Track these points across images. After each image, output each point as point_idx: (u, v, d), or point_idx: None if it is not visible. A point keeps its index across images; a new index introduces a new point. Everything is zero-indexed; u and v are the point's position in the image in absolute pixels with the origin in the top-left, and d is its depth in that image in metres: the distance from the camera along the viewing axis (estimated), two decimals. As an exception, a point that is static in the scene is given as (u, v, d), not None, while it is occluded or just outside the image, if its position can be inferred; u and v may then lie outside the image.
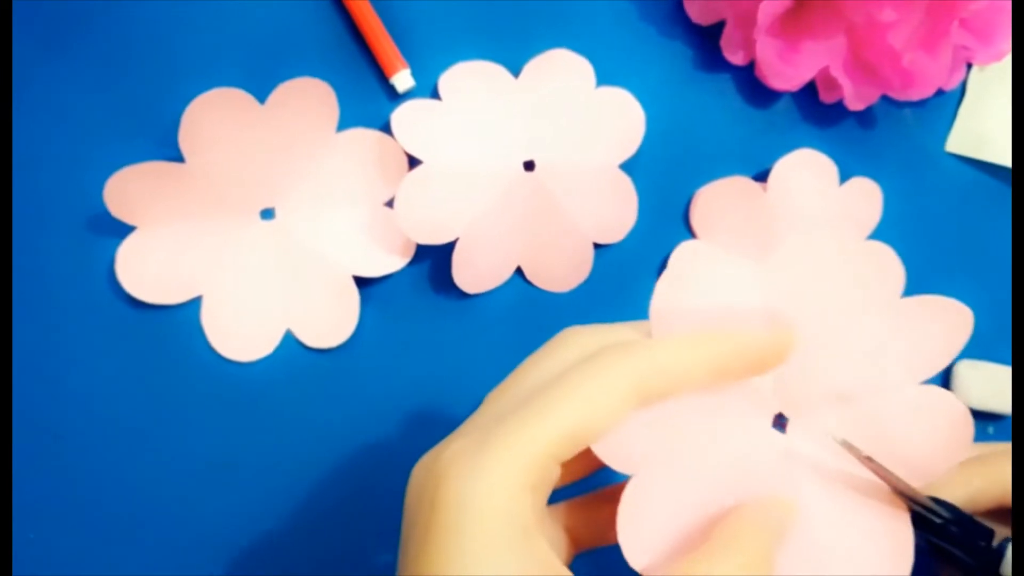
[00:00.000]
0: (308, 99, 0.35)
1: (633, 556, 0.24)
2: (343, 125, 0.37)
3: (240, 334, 0.37)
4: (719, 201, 0.39)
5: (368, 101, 0.38)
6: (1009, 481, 0.28)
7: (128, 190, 0.35)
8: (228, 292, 0.37)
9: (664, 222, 0.39)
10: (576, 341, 0.26)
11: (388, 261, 0.37)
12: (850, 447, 0.26)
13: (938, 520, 0.27)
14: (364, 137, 0.37)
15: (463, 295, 0.38)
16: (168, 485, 0.37)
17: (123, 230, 0.37)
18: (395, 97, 0.38)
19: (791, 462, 0.26)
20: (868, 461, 0.25)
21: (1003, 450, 0.30)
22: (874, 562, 0.26)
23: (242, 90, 0.34)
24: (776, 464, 0.26)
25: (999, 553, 0.27)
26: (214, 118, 0.34)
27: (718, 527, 0.24)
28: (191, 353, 0.37)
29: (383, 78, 0.38)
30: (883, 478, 0.26)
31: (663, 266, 0.39)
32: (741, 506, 0.24)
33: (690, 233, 0.39)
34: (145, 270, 0.37)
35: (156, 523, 0.37)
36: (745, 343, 0.24)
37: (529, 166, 0.37)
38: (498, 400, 0.25)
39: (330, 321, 0.37)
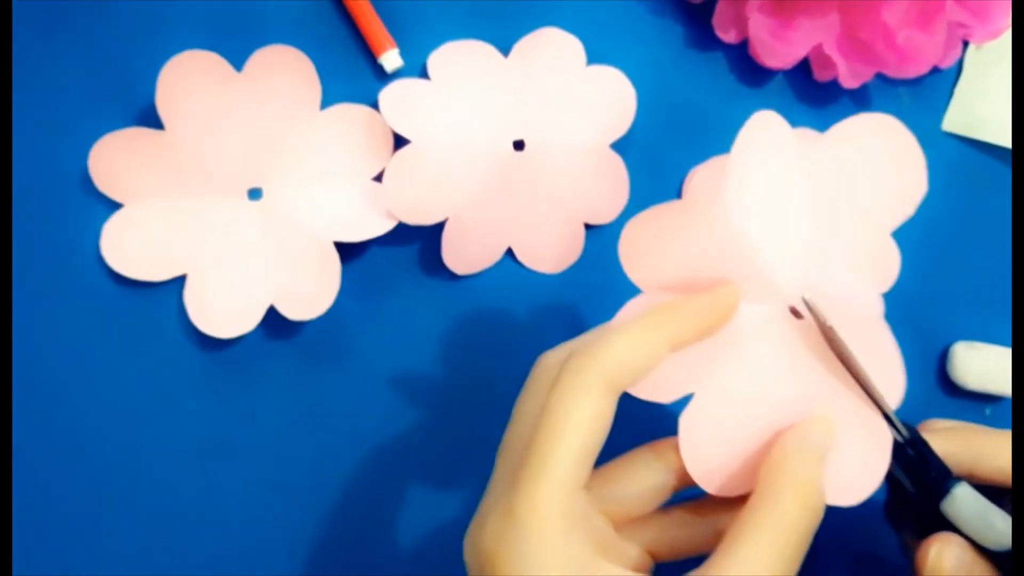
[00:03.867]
0: (285, 69, 0.35)
1: (705, 482, 0.27)
2: (331, 104, 0.37)
3: (223, 311, 0.36)
4: (716, 180, 0.38)
5: (356, 81, 0.38)
6: (983, 452, 0.28)
7: (111, 159, 0.35)
8: (213, 270, 0.37)
9: (656, 202, 0.39)
10: (546, 370, 0.28)
11: (373, 229, 0.36)
12: (815, 309, 0.27)
13: (899, 438, 0.28)
14: (351, 113, 0.37)
15: (453, 276, 0.37)
16: (154, 462, 0.37)
17: (108, 209, 0.36)
18: (383, 77, 0.38)
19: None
20: (830, 330, 0.27)
21: (990, 430, 0.30)
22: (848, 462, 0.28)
23: (217, 54, 0.34)
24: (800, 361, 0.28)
25: (945, 490, 0.27)
26: (190, 81, 0.34)
27: (766, 468, 0.26)
28: (178, 330, 0.37)
29: (372, 58, 0.38)
30: (854, 374, 0.28)
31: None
32: (781, 440, 0.27)
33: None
34: (131, 247, 0.36)
35: (142, 498, 0.37)
36: (695, 316, 0.27)
37: (519, 146, 0.37)
38: (505, 454, 0.27)
39: (312, 292, 0.36)
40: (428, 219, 0.36)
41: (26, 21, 0.37)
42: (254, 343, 0.37)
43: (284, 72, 0.35)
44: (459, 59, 0.37)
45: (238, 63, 0.35)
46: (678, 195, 0.39)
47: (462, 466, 0.37)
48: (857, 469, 0.27)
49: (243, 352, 0.37)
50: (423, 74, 0.38)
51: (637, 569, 0.27)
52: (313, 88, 0.36)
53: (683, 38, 0.39)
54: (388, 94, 0.36)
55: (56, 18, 0.38)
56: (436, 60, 0.37)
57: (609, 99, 0.37)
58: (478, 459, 0.30)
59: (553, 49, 0.37)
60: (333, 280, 0.36)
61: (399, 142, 0.36)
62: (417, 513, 0.37)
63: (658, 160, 0.39)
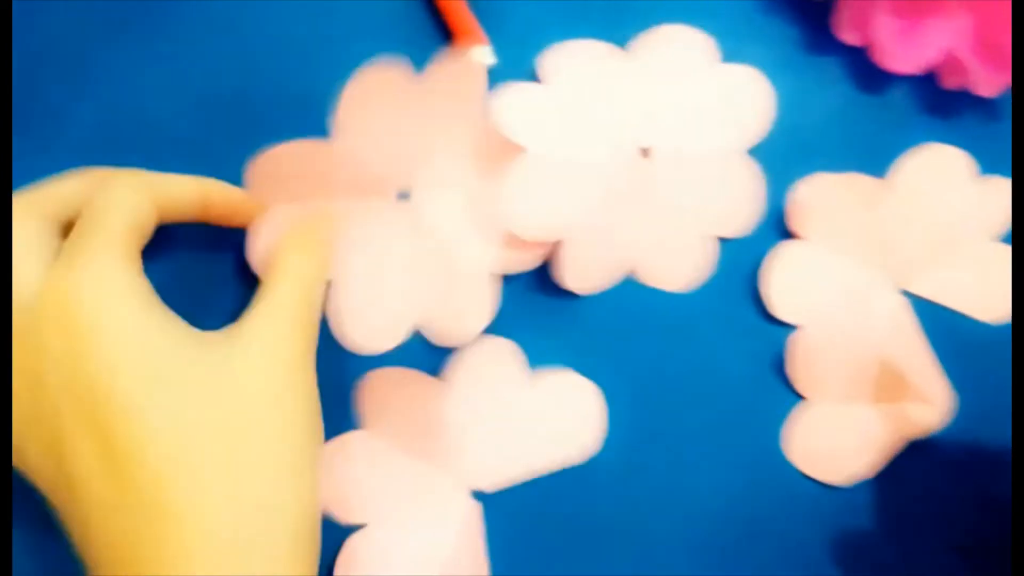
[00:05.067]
0: (459, 76, 0.32)
1: None
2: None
3: (367, 323, 0.33)
4: (826, 198, 0.36)
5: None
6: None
7: (270, 170, 0.31)
8: (358, 280, 0.33)
9: (764, 215, 0.36)
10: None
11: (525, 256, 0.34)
12: None
13: None
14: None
15: (569, 295, 0.34)
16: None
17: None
18: None
19: None
20: None
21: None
22: None
23: (402, 63, 0.30)
24: None
25: None
26: (371, 94, 0.30)
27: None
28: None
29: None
30: None
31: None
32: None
33: (788, 230, 0.36)
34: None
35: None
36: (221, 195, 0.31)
37: (645, 153, 0.34)
38: None
39: (460, 317, 0.34)
40: (549, 235, 0.32)
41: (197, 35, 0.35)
42: (394, 360, 0.34)
43: (458, 79, 0.32)
44: (575, 59, 0.34)
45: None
46: (782, 207, 0.36)
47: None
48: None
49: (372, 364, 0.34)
50: (517, 72, 0.35)
51: None
52: (480, 94, 0.33)
53: (799, 39, 0.37)
54: (502, 98, 0.32)
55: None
56: (549, 60, 0.34)
57: (745, 101, 0.35)
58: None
59: (680, 46, 0.35)
60: (485, 308, 0.33)
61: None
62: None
63: (765, 168, 0.36)
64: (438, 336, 0.33)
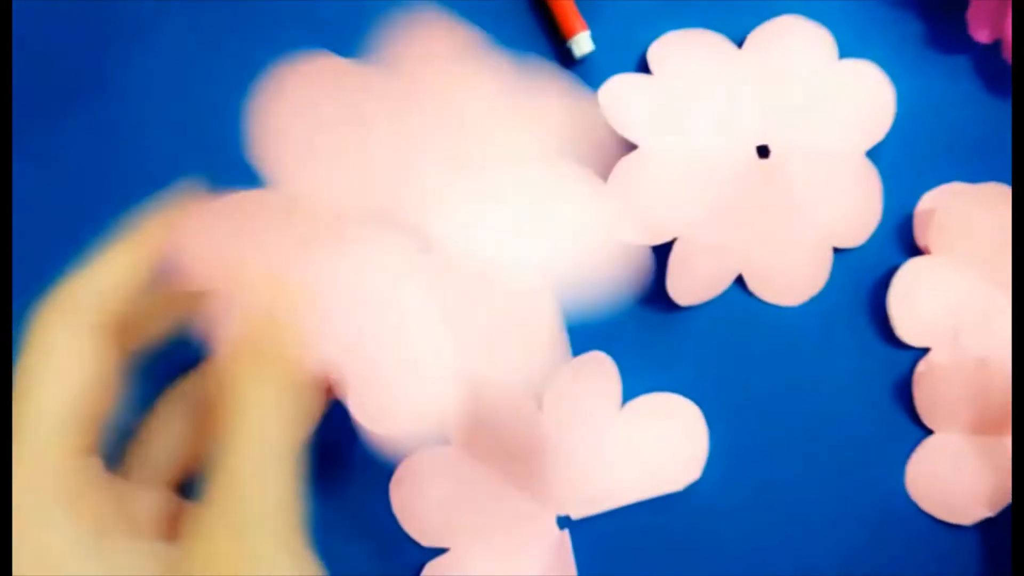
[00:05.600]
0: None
1: None
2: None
3: (401, 413, 0.24)
4: (959, 210, 0.33)
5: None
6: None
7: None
8: (375, 356, 0.24)
9: (884, 225, 0.33)
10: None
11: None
12: None
13: None
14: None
15: (669, 306, 0.32)
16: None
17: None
18: (570, 63, 0.33)
19: None
20: None
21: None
22: None
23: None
24: None
25: None
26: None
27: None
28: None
29: (553, 39, 0.33)
30: None
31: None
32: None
33: (912, 243, 0.33)
34: None
35: None
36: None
37: (763, 152, 0.31)
38: None
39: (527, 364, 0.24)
40: (656, 238, 0.30)
41: None
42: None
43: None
44: (686, 50, 0.32)
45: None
46: (901, 216, 0.33)
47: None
48: None
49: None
50: (622, 64, 0.32)
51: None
52: None
53: (923, 33, 0.34)
54: (611, 89, 0.30)
55: None
56: (659, 51, 0.32)
57: (865, 99, 0.32)
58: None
59: (795, 40, 0.32)
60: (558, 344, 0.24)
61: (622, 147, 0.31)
62: None
63: (884, 173, 0.33)
64: (493, 396, 0.24)
